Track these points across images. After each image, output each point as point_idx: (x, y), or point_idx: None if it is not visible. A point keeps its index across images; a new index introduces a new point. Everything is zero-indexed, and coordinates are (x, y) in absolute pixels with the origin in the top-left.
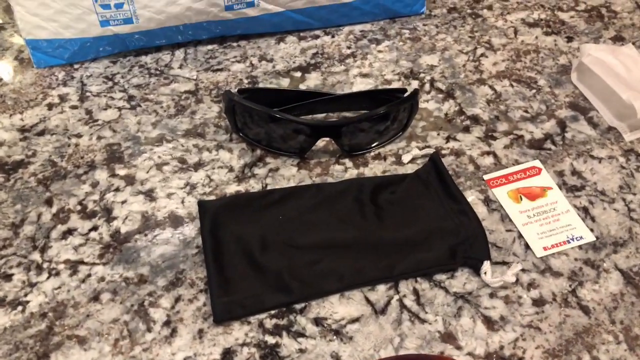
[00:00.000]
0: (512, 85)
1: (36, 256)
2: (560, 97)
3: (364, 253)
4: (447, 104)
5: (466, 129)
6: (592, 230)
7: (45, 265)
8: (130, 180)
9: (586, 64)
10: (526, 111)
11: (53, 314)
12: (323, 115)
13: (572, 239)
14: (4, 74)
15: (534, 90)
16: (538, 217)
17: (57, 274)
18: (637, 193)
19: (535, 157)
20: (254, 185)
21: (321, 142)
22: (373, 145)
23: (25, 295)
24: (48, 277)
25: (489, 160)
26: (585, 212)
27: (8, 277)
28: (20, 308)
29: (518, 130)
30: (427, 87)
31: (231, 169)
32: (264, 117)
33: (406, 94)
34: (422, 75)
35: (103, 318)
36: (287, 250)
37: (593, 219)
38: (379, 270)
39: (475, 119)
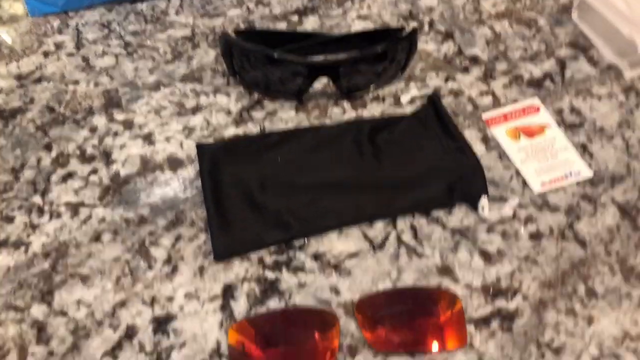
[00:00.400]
0: (511, 26)
1: (37, 199)
2: (560, 36)
3: (363, 192)
4: (446, 45)
5: (465, 70)
6: (590, 166)
7: (46, 207)
8: (128, 125)
9: (587, 0)
10: (525, 50)
11: (56, 254)
12: (321, 57)
13: (570, 175)
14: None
15: (533, 30)
16: (536, 154)
17: (59, 215)
18: (636, 129)
19: (534, 95)
20: (252, 129)
21: (319, 85)
22: (371, 85)
23: (28, 236)
24: (50, 219)
25: (487, 100)
26: (583, 149)
27: (10, 219)
28: (23, 249)
29: (517, 69)
30: (426, 28)
31: (229, 113)
32: (261, 58)
33: (404, 33)
34: (421, 16)
35: (104, 257)
36: (286, 190)
37: (591, 155)
38: (377, 208)
39: (475, 60)
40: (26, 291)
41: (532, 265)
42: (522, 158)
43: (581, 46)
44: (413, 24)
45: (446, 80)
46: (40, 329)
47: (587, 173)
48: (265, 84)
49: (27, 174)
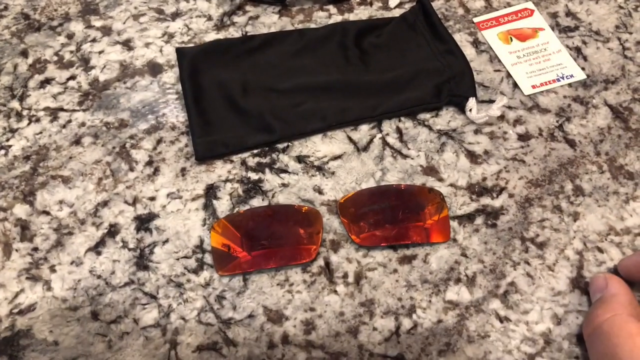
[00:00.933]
0: None
1: (15, 104)
2: None
3: (348, 94)
4: None
5: None
6: (583, 69)
7: (25, 112)
8: (106, 31)
9: None
10: None
11: (36, 157)
12: None
13: (562, 77)
14: None
15: None
16: (528, 57)
17: (38, 120)
18: (634, 32)
19: None
20: (234, 34)
21: None
22: None
23: (7, 140)
24: (29, 124)
25: (479, 4)
26: (577, 52)
27: None
28: (2, 152)
29: None
30: None
31: (209, 18)
32: None
33: None
34: None
35: (85, 160)
36: (269, 94)
37: (585, 58)
38: (362, 110)
39: None
40: (8, 192)
41: (519, 165)
42: (513, 61)
43: None
44: None
45: None
46: (23, 227)
47: (580, 76)
48: None
49: (4, 79)
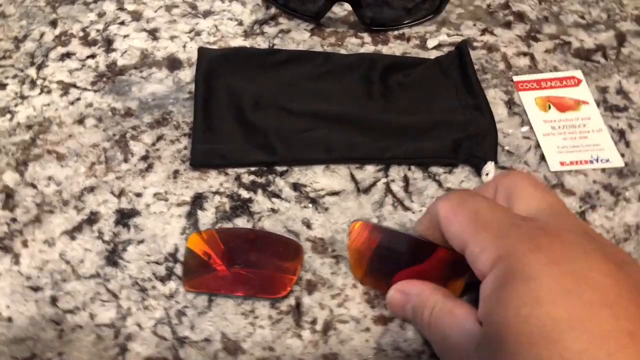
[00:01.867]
0: None
1: (32, 72)
2: (627, 8)
3: (361, 130)
4: None
5: (507, 25)
6: (622, 155)
7: (39, 82)
8: (136, 16)
9: None
10: (582, 17)
11: (38, 128)
12: None
13: (597, 160)
14: None
15: None
16: (563, 130)
17: (49, 92)
18: None
19: (579, 67)
20: (261, 43)
21: (342, 12)
22: (398, 23)
23: (16, 105)
24: (39, 93)
25: (524, 62)
26: (620, 135)
27: (2, 86)
28: (8, 116)
29: (567, 35)
30: None
31: (240, 23)
32: None
33: None
34: None
35: (84, 141)
36: (280, 113)
37: (627, 144)
38: (371, 150)
39: (520, 16)
40: (2, 157)
41: None
42: (546, 131)
43: None
44: None
45: (483, 32)
46: (8, 195)
47: (617, 162)
48: None
49: (28, 45)
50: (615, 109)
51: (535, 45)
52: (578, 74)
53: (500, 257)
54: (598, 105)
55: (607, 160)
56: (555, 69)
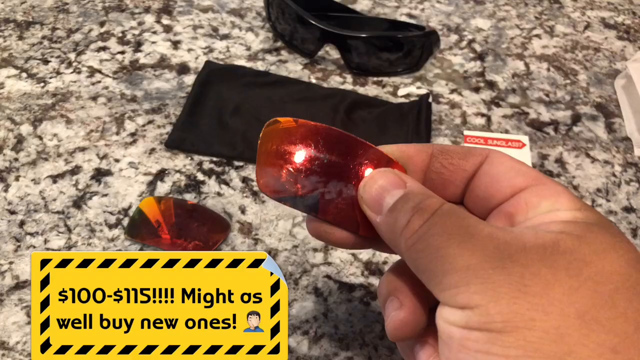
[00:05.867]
0: (548, 69)
1: (72, 56)
2: (591, 96)
3: None
4: (473, 64)
5: (476, 89)
6: None
7: (74, 64)
8: (167, 29)
9: (628, 68)
10: (547, 95)
11: (60, 97)
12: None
13: None
14: None
15: (568, 81)
16: None
17: (79, 72)
18: (612, 201)
19: (528, 134)
20: (259, 67)
21: (335, 55)
22: (380, 72)
23: (50, 78)
24: (72, 72)
25: (479, 121)
26: None
27: (46, 62)
28: (42, 84)
29: (527, 107)
30: (463, 43)
31: (249, 48)
32: (292, 14)
33: (424, 32)
34: (465, 33)
35: (91, 113)
36: (252, 120)
37: None
38: None
39: (491, 84)
40: (26, 113)
41: None
42: None
43: (607, 112)
44: (453, 37)
45: (452, 91)
46: (19, 141)
47: None
48: (290, 37)
49: (77, 37)
50: (549, 173)
51: (495, 110)
52: (524, 139)
53: None
54: (534, 167)
55: None
56: (506, 132)
